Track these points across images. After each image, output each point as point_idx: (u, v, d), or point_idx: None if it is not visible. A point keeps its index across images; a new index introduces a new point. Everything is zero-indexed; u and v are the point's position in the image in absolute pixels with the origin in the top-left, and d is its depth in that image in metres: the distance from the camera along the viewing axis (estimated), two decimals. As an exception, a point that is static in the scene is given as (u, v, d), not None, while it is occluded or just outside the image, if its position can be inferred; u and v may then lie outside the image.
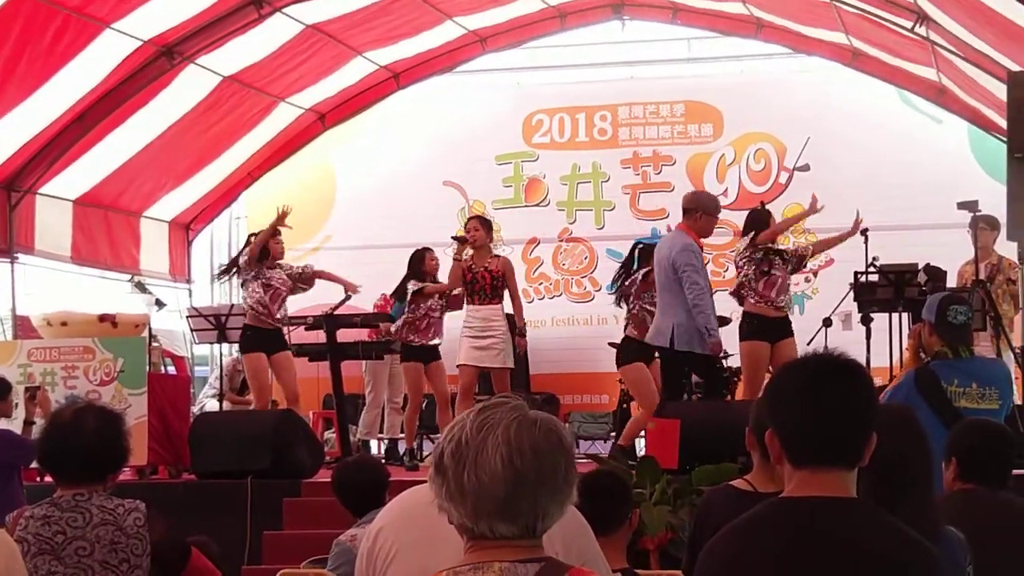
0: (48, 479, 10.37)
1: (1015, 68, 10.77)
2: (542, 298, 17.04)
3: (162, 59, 13.25)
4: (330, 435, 14.52)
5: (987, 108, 13.95)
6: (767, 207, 11.95)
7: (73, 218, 14.36)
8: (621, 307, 12.20)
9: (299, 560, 8.21)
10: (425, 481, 2.85)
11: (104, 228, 14.91)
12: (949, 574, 3.10)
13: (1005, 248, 12.14)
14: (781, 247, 11.83)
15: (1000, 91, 11.58)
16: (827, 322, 12.42)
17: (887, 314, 11.70)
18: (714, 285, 16.40)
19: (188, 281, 16.74)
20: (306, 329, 13.30)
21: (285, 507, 10.88)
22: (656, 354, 11.30)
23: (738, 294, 11.44)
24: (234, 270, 12.72)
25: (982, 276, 11.79)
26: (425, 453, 13.13)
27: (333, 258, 16.99)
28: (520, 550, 2.61)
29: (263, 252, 12.27)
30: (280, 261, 12.53)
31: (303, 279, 12.65)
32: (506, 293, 12.10)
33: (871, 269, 11.83)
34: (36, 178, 13.53)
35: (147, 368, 12.04)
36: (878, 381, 7.16)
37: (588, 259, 17.07)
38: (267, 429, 11.39)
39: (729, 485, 4.88)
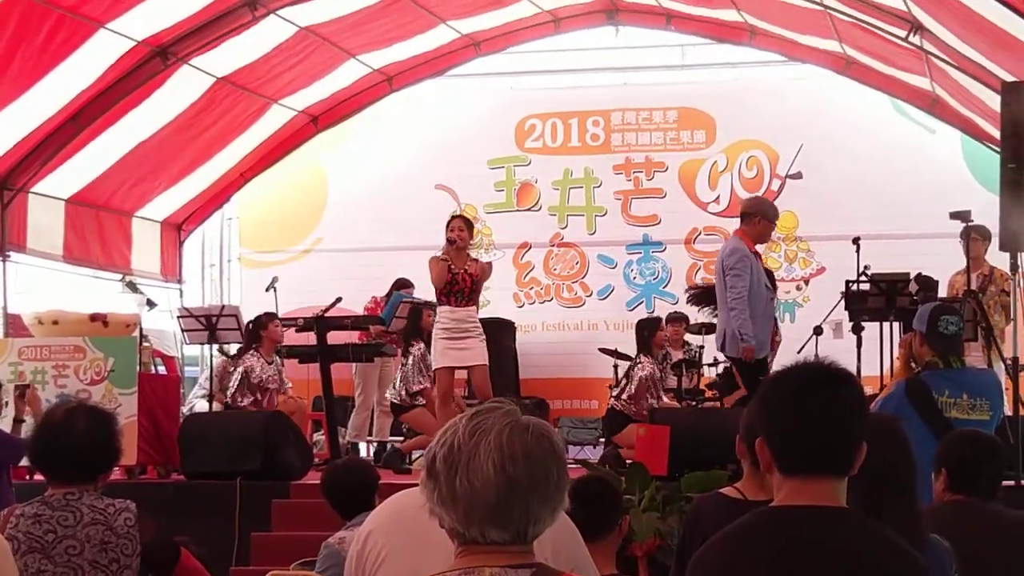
0: (37, 477, 10.36)
1: (1009, 78, 10.79)
2: (533, 303, 17.06)
3: (156, 59, 13.25)
4: (319, 437, 14.51)
5: (980, 118, 13.98)
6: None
7: (65, 217, 14.35)
8: None
9: (287, 562, 8.20)
10: (415, 485, 2.85)
11: (96, 228, 14.91)
12: (937, 583, 3.10)
13: (997, 258, 12.14)
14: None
15: (993, 101, 11.61)
16: (818, 330, 12.43)
17: (878, 323, 11.70)
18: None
19: (179, 281, 16.74)
20: (297, 331, 13.30)
21: (274, 508, 10.86)
22: None
23: None
24: None
25: (974, 286, 11.78)
26: (415, 456, 13.14)
27: (324, 260, 17.05)
28: (511, 555, 2.61)
29: None
30: None
31: None
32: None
33: (862, 278, 11.82)
34: (29, 177, 13.52)
35: (137, 368, 12.03)
36: (868, 390, 7.16)
37: (579, 264, 17.08)
38: (256, 430, 11.38)
39: (719, 493, 4.87)
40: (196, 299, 17.22)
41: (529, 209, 17.23)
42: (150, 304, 14.23)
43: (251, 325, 13.13)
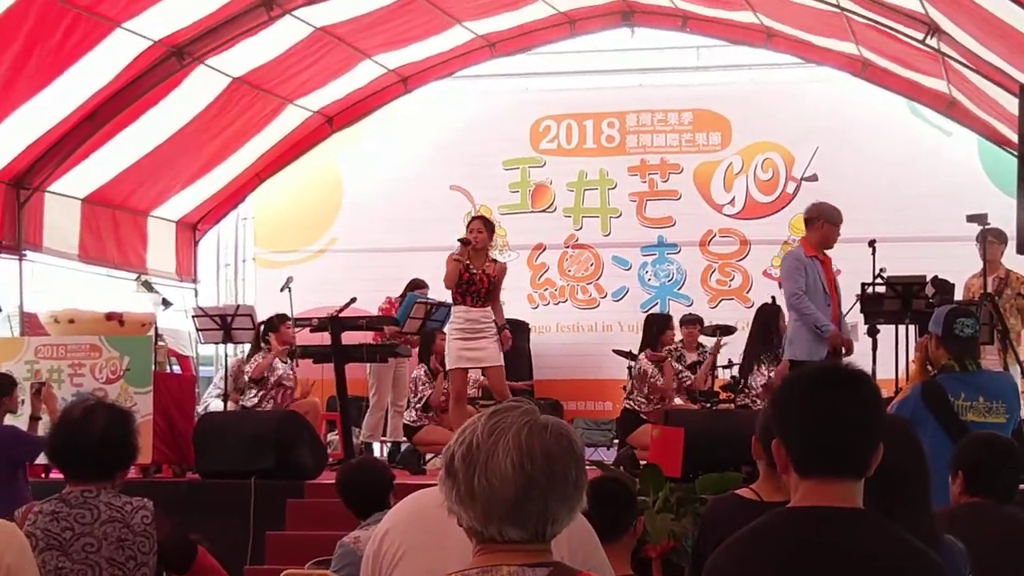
0: (53, 475, 10.41)
1: (1026, 81, 10.77)
2: (547, 304, 17.06)
3: (172, 59, 13.28)
4: (333, 437, 14.52)
5: (997, 121, 13.95)
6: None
7: (81, 216, 14.40)
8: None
9: (302, 561, 8.22)
10: (430, 484, 2.86)
11: (112, 227, 14.95)
12: (952, 584, 3.09)
13: (1014, 262, 12.12)
14: None
15: (1011, 104, 11.59)
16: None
17: (894, 326, 11.67)
18: (720, 294, 16.63)
19: (194, 281, 16.78)
20: (311, 331, 13.32)
21: (288, 508, 10.88)
22: None
23: None
24: None
25: (990, 289, 11.76)
26: (429, 457, 13.14)
27: (338, 260, 17.06)
28: (529, 554, 2.61)
29: None
30: None
31: None
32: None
33: (878, 281, 11.79)
34: (45, 176, 13.57)
35: (153, 367, 12.06)
36: (884, 394, 7.16)
37: (594, 266, 17.07)
38: (271, 430, 11.40)
39: (735, 494, 4.85)
40: (211, 299, 17.26)
41: (544, 210, 17.23)
42: (165, 303, 14.28)
43: (262, 326, 13.17)
